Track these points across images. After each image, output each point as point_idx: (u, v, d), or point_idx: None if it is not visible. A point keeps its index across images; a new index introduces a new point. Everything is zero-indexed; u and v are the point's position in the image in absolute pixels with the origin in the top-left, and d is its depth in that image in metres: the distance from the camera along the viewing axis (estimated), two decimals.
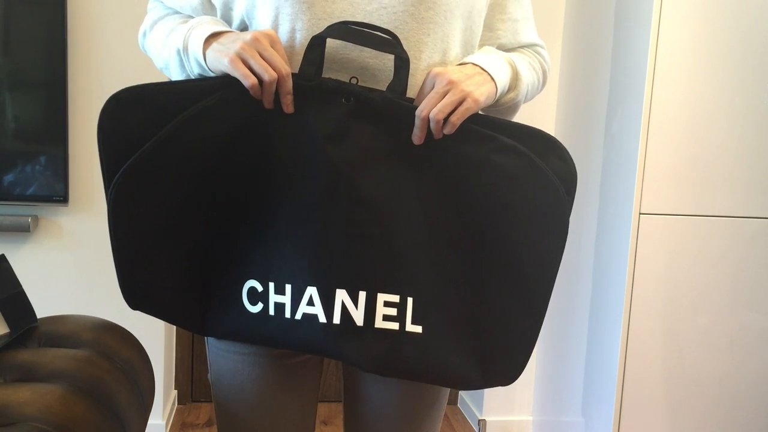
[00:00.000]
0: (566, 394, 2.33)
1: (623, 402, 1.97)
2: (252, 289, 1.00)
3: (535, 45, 1.15)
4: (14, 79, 2.14)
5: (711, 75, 1.87)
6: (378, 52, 0.97)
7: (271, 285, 0.99)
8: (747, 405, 2.01)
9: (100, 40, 2.23)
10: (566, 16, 2.45)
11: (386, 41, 0.95)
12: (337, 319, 0.95)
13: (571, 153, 1.02)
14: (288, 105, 0.95)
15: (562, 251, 1.00)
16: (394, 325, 0.96)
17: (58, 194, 2.18)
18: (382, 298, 0.96)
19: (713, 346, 1.97)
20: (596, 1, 2.24)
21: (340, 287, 0.95)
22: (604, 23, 2.16)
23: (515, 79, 1.04)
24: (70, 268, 2.31)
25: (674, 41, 1.85)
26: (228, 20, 1.05)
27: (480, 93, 0.95)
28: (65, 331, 1.31)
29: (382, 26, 0.97)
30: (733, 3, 1.85)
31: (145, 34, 1.10)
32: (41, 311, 1.37)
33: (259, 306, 1.00)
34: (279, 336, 0.99)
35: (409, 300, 0.97)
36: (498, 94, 1.00)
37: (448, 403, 3.01)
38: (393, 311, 0.96)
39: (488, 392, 2.62)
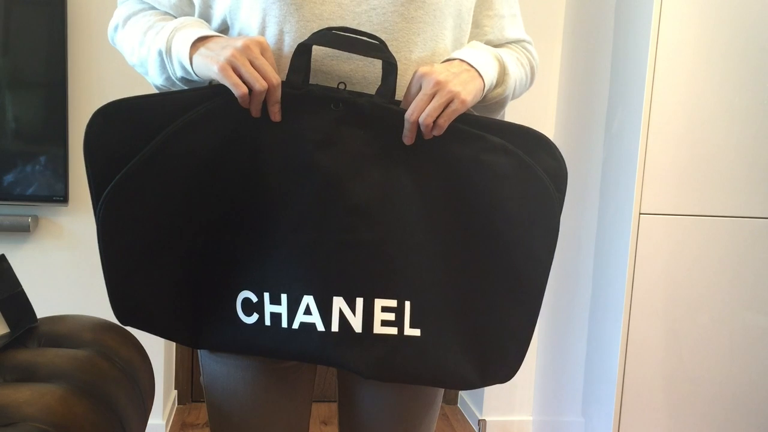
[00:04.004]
0: (566, 394, 2.33)
1: (623, 402, 1.97)
2: (246, 300, 0.99)
3: (522, 41, 1.14)
4: (14, 79, 2.14)
5: (711, 75, 1.87)
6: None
7: (266, 295, 0.97)
8: (747, 405, 2.01)
9: (100, 40, 2.23)
10: (566, 16, 2.45)
11: (373, 46, 0.94)
12: (335, 327, 0.94)
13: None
14: (275, 114, 0.94)
15: (554, 248, 1.00)
16: (393, 330, 0.96)
17: (58, 194, 2.18)
18: (379, 303, 0.95)
19: (713, 346, 1.97)
20: (596, 1, 2.24)
21: (337, 294, 0.94)
22: (604, 23, 2.16)
23: (503, 74, 1.03)
24: (70, 268, 2.31)
25: (674, 41, 1.85)
26: (207, 18, 1.03)
27: (467, 92, 0.94)
28: (65, 331, 1.31)
29: (372, 27, 0.96)
30: (733, 3, 1.85)
31: (116, 29, 1.07)
32: (41, 311, 1.36)
33: (255, 317, 0.98)
34: (276, 346, 0.98)
35: (407, 304, 0.96)
36: (486, 90, 1.00)
37: (448, 403, 3.01)
38: (391, 316, 0.95)
39: (488, 392, 2.62)
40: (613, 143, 2.07)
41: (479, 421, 2.63)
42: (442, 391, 1.18)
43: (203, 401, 2.77)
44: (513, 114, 2.36)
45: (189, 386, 2.76)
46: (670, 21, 1.84)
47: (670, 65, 1.86)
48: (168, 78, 1.00)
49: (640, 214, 1.90)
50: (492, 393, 2.61)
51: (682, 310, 1.95)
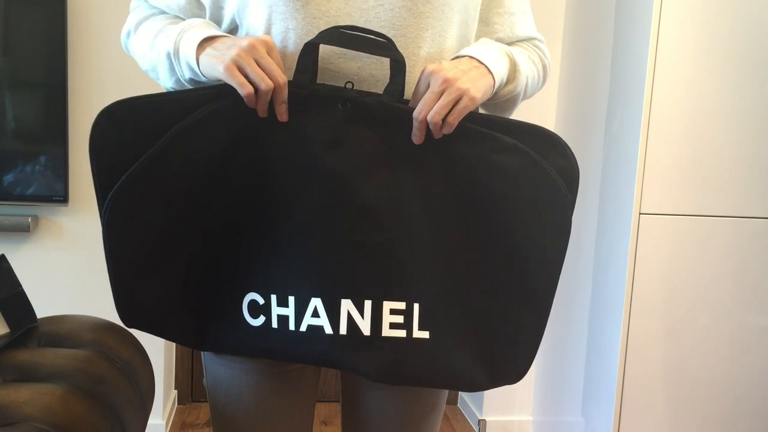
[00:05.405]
0: (566, 394, 2.33)
1: (623, 402, 1.97)
2: (253, 302, 0.98)
3: (534, 39, 1.13)
4: (14, 79, 2.14)
5: (711, 75, 1.87)
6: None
7: (273, 297, 0.96)
8: (747, 405, 2.01)
9: (100, 40, 2.23)
10: (566, 16, 2.45)
11: (381, 44, 0.93)
12: (343, 330, 0.93)
13: None
14: (282, 114, 0.93)
15: (565, 249, 0.99)
16: (402, 333, 0.95)
17: (58, 194, 2.18)
18: (388, 306, 0.94)
19: (713, 346, 1.97)
20: (596, 0, 2.24)
21: (345, 297, 0.93)
22: (604, 23, 2.16)
23: (513, 70, 1.02)
24: (70, 268, 2.31)
25: (674, 41, 1.85)
26: (218, 20, 1.03)
27: (477, 89, 0.93)
28: (65, 331, 1.31)
29: (379, 24, 0.95)
30: (733, 3, 1.85)
31: (128, 35, 1.07)
32: (41, 311, 1.36)
33: (261, 319, 0.97)
34: (283, 349, 0.97)
35: (416, 306, 0.95)
36: (496, 87, 0.98)
37: (448, 403, 3.01)
38: (400, 318, 0.94)
39: (488, 392, 2.62)
40: (613, 143, 2.06)
41: (479, 421, 2.63)
42: (445, 395, 1.18)
43: (203, 401, 2.77)
44: (512, 114, 2.36)
45: (189, 386, 2.76)
46: (670, 21, 1.84)
47: (670, 65, 1.86)
48: (177, 80, 0.99)
49: (640, 214, 1.90)
50: (492, 393, 2.61)
51: (682, 310, 1.95)
